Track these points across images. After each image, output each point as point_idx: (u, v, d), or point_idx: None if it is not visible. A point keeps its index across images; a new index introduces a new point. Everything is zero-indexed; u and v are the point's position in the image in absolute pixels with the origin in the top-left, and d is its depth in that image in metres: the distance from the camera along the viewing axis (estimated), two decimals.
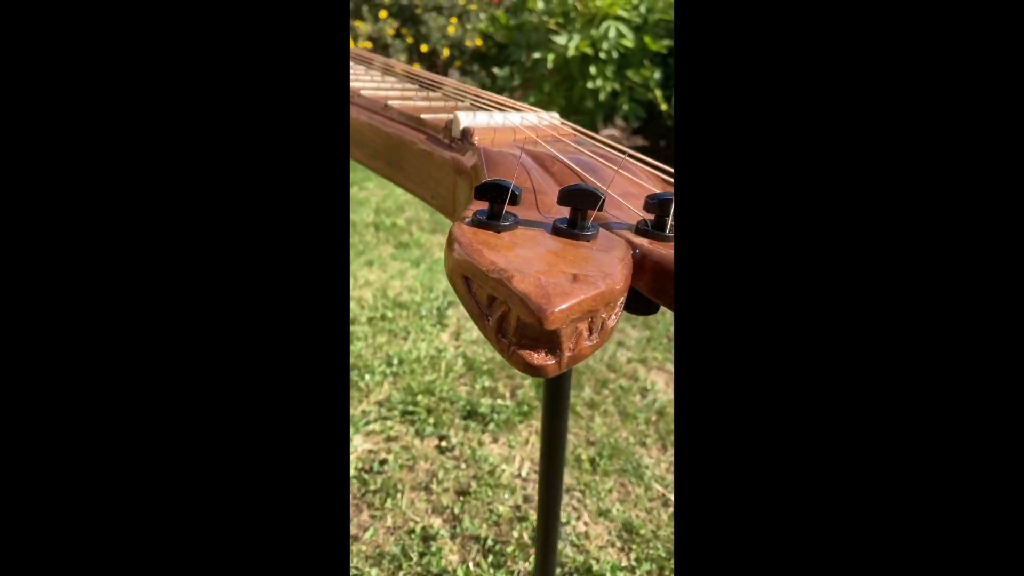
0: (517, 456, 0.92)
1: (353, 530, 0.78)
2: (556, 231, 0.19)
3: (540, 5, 2.28)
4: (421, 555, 0.74)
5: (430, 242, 1.66)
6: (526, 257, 0.17)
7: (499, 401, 1.03)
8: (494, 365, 1.13)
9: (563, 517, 0.81)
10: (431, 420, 0.98)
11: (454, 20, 2.55)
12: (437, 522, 0.79)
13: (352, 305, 1.28)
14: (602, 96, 2.26)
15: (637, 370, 1.14)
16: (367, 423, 0.97)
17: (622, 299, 0.18)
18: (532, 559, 0.75)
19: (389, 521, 0.79)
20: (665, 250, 0.19)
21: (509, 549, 0.76)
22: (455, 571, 0.72)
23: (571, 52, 2.17)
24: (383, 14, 2.49)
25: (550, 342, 0.16)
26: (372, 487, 0.84)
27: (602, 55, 2.22)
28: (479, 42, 2.58)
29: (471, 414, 1.00)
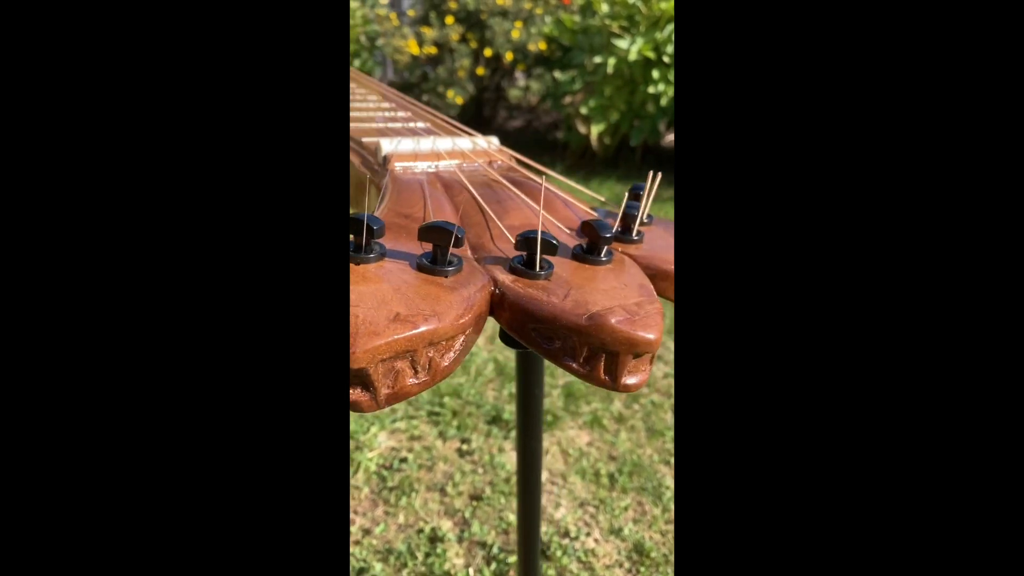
0: None
1: (366, 524, 0.80)
2: (418, 266, 0.19)
3: (604, 8, 2.25)
4: (426, 555, 0.76)
5: None
6: (365, 292, 0.17)
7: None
8: None
9: (572, 531, 0.80)
10: (455, 423, 0.99)
11: (519, 24, 2.56)
12: (447, 524, 0.81)
13: None
14: (664, 101, 2.20)
15: (672, 387, 1.10)
16: (394, 421, 1.00)
17: (463, 337, 0.18)
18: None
19: (401, 519, 0.81)
20: (524, 289, 0.19)
21: (512, 559, 0.76)
22: (458, 574, 0.73)
23: (632, 56, 2.13)
24: (449, 20, 2.54)
25: (361, 379, 0.16)
26: (390, 484, 0.87)
27: (665, 59, 2.17)
28: (543, 46, 2.58)
29: (495, 419, 1.01)
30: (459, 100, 2.56)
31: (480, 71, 2.61)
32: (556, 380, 1.11)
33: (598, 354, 0.18)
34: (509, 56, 2.57)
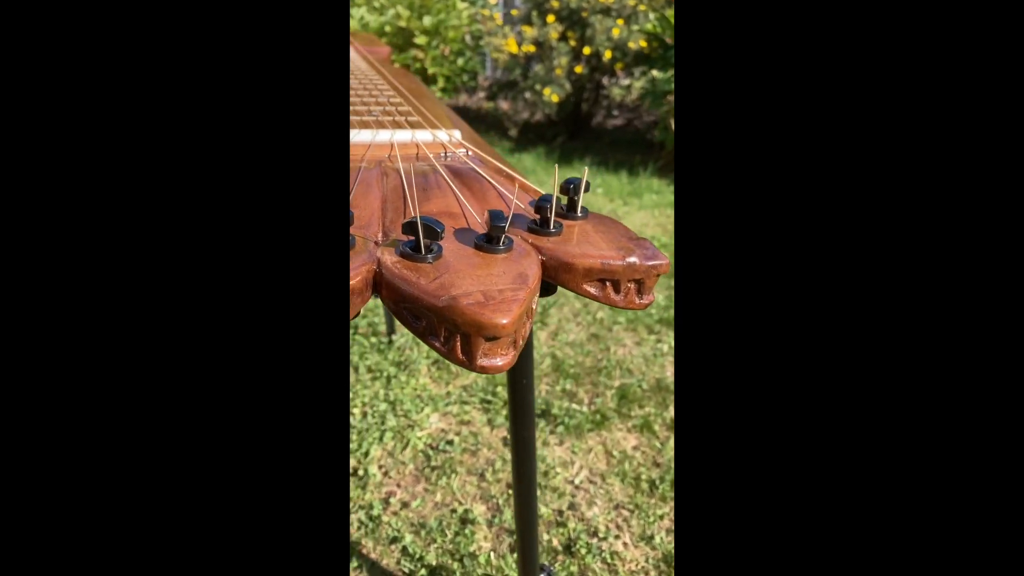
0: (577, 463, 0.92)
1: (406, 497, 0.85)
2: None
3: None
4: (456, 534, 0.79)
5: None
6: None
7: (575, 406, 1.03)
8: (581, 370, 1.13)
9: (601, 532, 0.80)
10: (505, 412, 1.01)
11: (620, 22, 2.53)
12: (480, 508, 0.83)
13: None
14: None
15: None
16: (447, 404, 1.04)
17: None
18: (557, 566, 0.75)
19: (438, 497, 0.85)
20: (399, 270, 0.20)
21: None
22: (479, 556, 0.76)
23: None
24: (551, 18, 2.56)
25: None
26: (433, 463, 0.91)
27: None
28: (643, 43, 2.53)
29: (544, 413, 1.02)
30: (555, 98, 2.57)
31: (579, 69, 2.60)
32: (612, 381, 1.10)
33: (454, 334, 0.19)
34: (608, 54, 2.54)
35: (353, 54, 0.60)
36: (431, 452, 0.93)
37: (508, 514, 0.82)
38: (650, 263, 0.23)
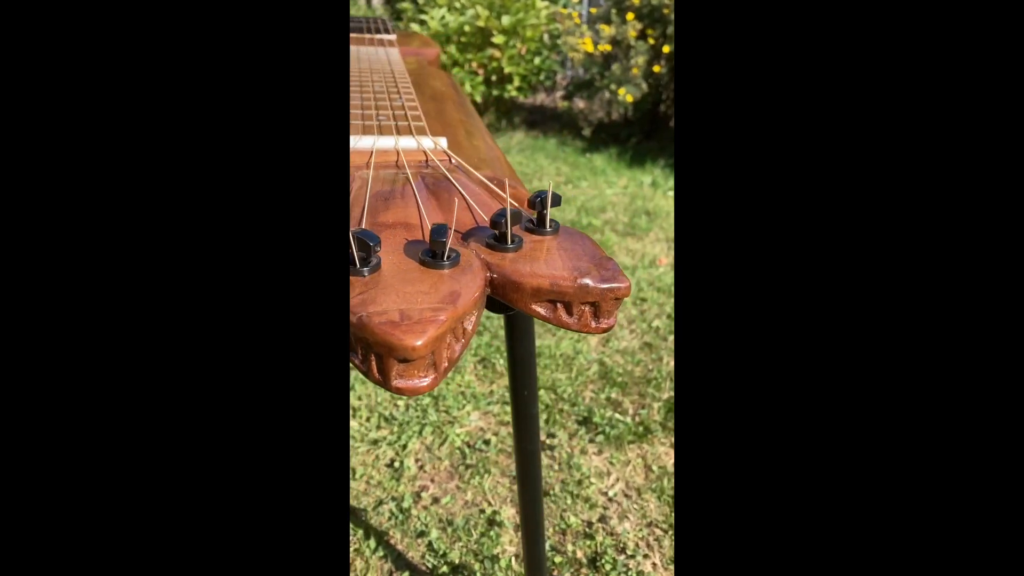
0: (613, 474, 0.89)
1: (438, 493, 0.86)
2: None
3: None
4: (481, 535, 0.79)
5: (618, 245, 1.65)
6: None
7: (618, 415, 1.00)
8: (629, 379, 1.09)
9: (630, 549, 0.77)
10: (544, 416, 1.00)
11: None
12: (509, 512, 0.83)
13: None
14: None
15: None
16: (489, 403, 1.04)
17: None
18: None
19: (469, 496, 0.85)
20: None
21: (559, 559, 0.75)
22: (501, 560, 0.75)
23: None
24: (630, 16, 2.50)
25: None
26: (468, 461, 0.91)
27: None
28: None
29: (585, 421, 1.00)
30: (629, 98, 2.51)
31: (657, 68, 2.52)
32: (661, 393, 1.06)
33: (369, 353, 0.19)
34: None
35: (393, 55, 0.61)
36: (467, 450, 0.94)
37: None
38: (605, 286, 0.22)
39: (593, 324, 0.22)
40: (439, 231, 0.21)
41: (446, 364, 0.20)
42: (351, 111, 0.37)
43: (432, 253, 0.22)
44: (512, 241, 0.23)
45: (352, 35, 0.76)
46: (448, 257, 0.22)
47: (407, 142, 0.32)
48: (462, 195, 0.27)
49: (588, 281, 0.22)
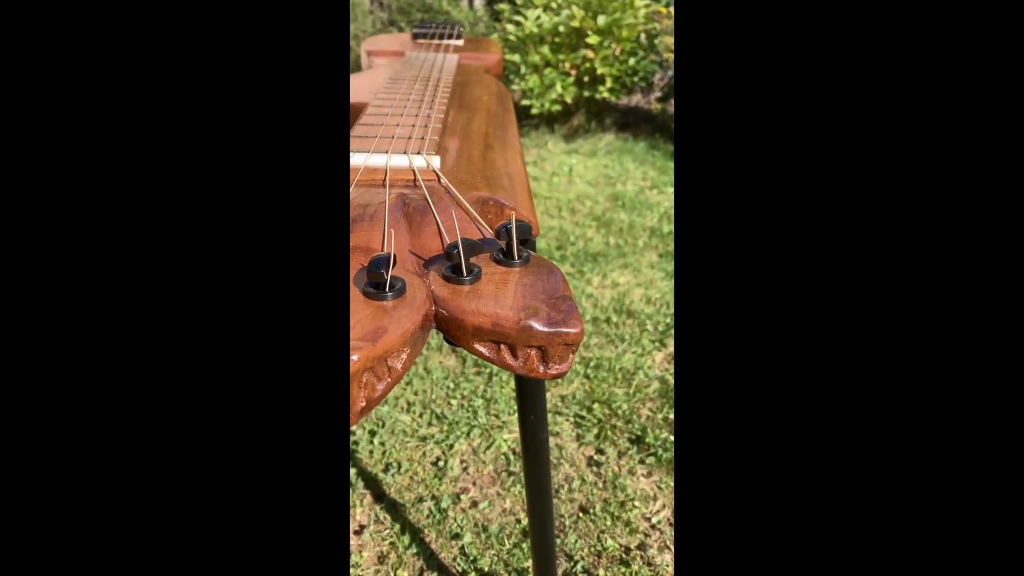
0: (660, 500, 0.85)
1: (477, 497, 0.86)
2: None
3: None
4: (514, 545, 0.78)
5: None
6: None
7: (673, 438, 0.95)
8: None
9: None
10: (595, 431, 0.98)
11: None
12: None
13: (584, 302, 1.34)
14: None
15: None
16: None
17: None
18: None
19: (507, 503, 0.85)
20: None
21: None
22: (529, 574, 0.74)
23: None
24: None
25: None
26: (512, 468, 0.91)
27: None
28: None
29: (638, 440, 0.96)
30: None
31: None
32: None
33: None
34: None
35: (449, 61, 0.61)
36: (512, 456, 0.93)
37: (572, 537, 0.79)
38: (552, 329, 0.20)
39: (541, 369, 0.21)
40: (377, 262, 0.20)
41: (363, 404, 0.19)
42: (362, 122, 0.37)
43: (373, 284, 0.21)
44: (469, 272, 0.22)
45: (418, 40, 0.78)
46: (392, 288, 0.21)
47: (399, 160, 0.32)
48: (435, 220, 0.26)
49: (534, 324, 0.20)
